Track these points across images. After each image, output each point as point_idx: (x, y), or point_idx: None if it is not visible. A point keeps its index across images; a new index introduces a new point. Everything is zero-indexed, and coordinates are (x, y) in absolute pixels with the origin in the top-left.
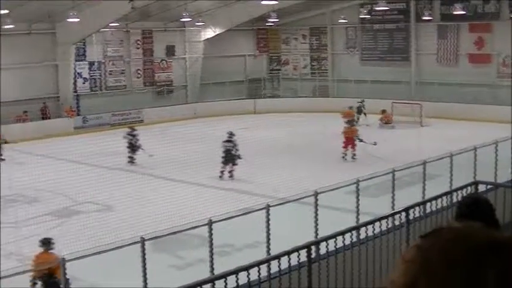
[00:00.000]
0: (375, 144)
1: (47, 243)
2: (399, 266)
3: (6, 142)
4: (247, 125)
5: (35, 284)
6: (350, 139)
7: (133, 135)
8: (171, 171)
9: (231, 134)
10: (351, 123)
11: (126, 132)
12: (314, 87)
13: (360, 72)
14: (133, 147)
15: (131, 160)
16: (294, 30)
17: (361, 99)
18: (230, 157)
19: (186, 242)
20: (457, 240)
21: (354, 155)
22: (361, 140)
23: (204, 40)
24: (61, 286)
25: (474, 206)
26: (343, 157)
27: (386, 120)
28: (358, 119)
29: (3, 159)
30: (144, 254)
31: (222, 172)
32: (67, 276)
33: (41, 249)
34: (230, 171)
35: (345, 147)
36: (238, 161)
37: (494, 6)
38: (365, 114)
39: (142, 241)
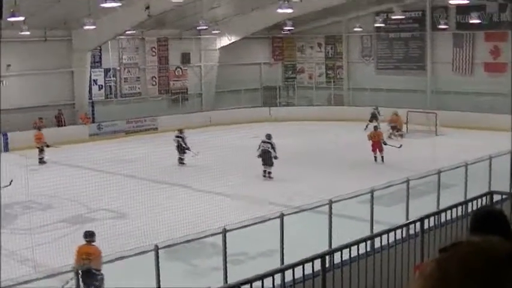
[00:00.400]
0: (400, 147)
1: (89, 235)
2: (417, 280)
3: (48, 146)
4: (262, 132)
5: (78, 273)
6: (377, 142)
7: (182, 137)
8: (186, 179)
9: (269, 136)
10: (395, 128)
11: (175, 134)
12: (329, 96)
13: (375, 80)
14: (182, 149)
15: (181, 161)
16: (310, 38)
17: (375, 106)
18: (268, 158)
19: (201, 250)
20: (476, 253)
21: (383, 157)
22: (385, 143)
23: (220, 48)
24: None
25: (488, 218)
26: (375, 159)
27: (395, 125)
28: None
29: (44, 162)
30: (157, 262)
31: (264, 171)
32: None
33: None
34: (269, 172)
35: (374, 150)
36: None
37: (511, 15)
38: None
39: (156, 249)
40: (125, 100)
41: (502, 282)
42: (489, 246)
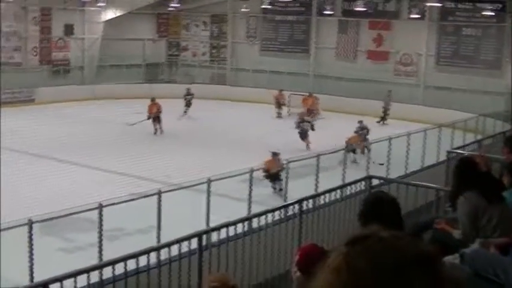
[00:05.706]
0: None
1: (274, 154)
2: (324, 274)
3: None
4: (141, 109)
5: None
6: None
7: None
8: (62, 153)
9: None
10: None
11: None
12: (212, 75)
13: (259, 62)
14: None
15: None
16: (195, 16)
17: (187, 89)
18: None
19: (77, 225)
20: (386, 252)
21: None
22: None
23: (104, 21)
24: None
25: (379, 205)
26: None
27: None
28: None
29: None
30: (31, 237)
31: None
32: None
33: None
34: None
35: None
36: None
37: (395, 5)
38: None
39: (30, 223)
40: (3, 69)
41: (412, 281)
42: (398, 245)
